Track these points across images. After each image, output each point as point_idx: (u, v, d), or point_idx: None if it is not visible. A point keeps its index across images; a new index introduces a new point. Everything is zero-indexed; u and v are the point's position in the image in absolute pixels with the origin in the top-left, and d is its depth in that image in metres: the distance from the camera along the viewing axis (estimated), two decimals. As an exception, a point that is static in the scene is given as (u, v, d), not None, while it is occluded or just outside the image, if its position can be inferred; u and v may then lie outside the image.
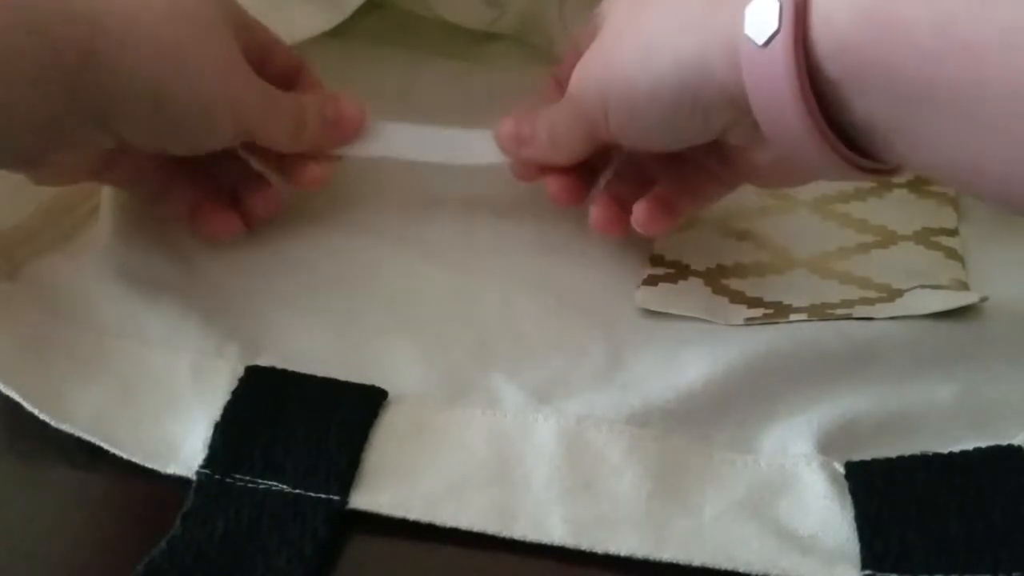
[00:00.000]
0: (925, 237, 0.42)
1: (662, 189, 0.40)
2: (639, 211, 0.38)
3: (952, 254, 0.41)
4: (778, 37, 0.28)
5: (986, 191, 0.28)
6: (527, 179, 0.41)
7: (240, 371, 0.36)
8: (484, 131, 0.41)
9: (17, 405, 0.34)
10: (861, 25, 0.27)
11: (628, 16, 0.35)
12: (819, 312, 0.38)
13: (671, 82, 0.32)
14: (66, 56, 0.33)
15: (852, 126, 0.29)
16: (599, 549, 0.31)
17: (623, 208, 0.40)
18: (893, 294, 0.39)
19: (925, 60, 0.26)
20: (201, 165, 0.41)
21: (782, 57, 0.28)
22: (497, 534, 0.31)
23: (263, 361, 0.36)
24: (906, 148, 0.28)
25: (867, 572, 0.30)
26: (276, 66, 0.41)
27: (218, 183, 0.42)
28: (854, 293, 0.39)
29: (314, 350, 0.37)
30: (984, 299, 0.37)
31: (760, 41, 0.28)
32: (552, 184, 0.40)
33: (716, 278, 0.40)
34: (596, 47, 0.36)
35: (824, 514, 0.31)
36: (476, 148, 0.41)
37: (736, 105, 0.31)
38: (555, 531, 0.31)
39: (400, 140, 0.42)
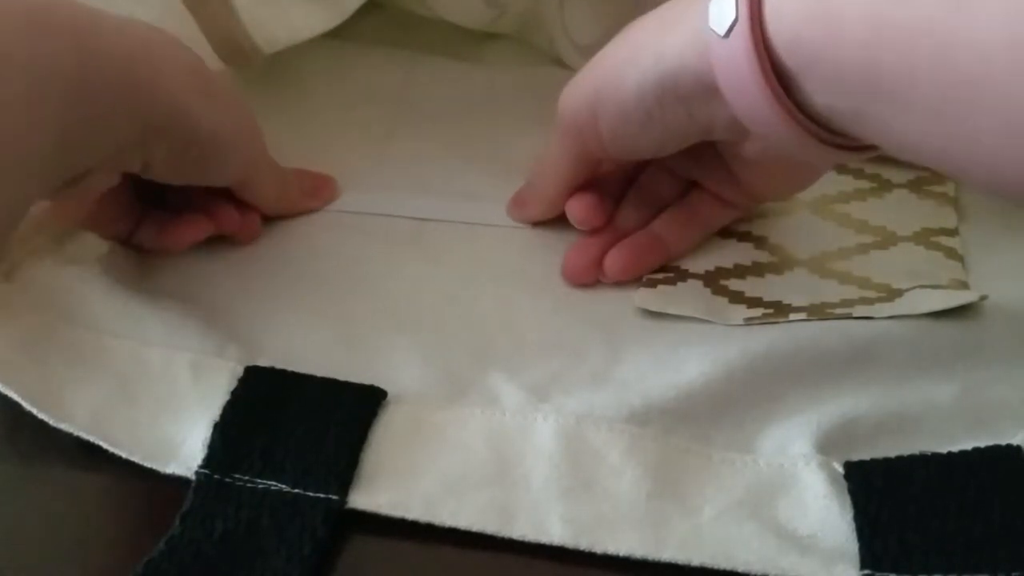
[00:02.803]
0: (925, 237, 0.42)
1: (662, 224, 0.41)
2: (610, 262, 0.40)
3: (952, 254, 0.41)
4: (737, 27, 0.30)
5: (937, 168, 0.31)
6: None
7: (239, 371, 0.36)
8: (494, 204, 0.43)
9: (17, 405, 0.34)
10: (807, 21, 0.29)
11: (616, 37, 0.37)
12: (819, 312, 0.38)
13: (653, 77, 0.34)
14: (125, 80, 0.34)
15: (818, 113, 0.30)
16: (598, 549, 0.31)
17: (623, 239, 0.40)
18: (893, 294, 0.39)
19: (863, 53, 0.27)
20: (169, 195, 0.41)
21: (743, 45, 0.30)
22: (496, 534, 0.31)
23: (263, 361, 0.36)
24: (860, 132, 0.30)
25: (866, 572, 0.30)
26: None
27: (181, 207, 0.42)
28: (854, 293, 0.39)
29: (314, 350, 0.37)
30: (984, 298, 0.37)
31: (722, 32, 0.30)
32: (574, 206, 0.41)
33: (715, 280, 0.40)
34: (587, 67, 0.38)
35: (823, 514, 0.31)
36: (488, 214, 0.43)
37: (713, 95, 0.32)
38: (554, 531, 0.31)
39: (398, 203, 0.44)
